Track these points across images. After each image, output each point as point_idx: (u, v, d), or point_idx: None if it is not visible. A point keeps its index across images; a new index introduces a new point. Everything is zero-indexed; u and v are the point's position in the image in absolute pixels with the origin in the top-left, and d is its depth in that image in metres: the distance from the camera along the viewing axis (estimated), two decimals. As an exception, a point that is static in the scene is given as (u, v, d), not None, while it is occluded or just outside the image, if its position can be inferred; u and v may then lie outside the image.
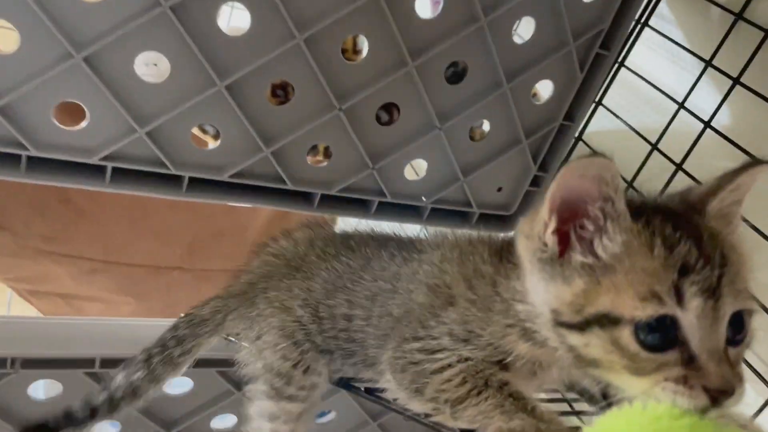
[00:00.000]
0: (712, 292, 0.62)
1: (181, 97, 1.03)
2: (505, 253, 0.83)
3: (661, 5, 1.37)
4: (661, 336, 0.62)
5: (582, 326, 0.66)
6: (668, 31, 1.36)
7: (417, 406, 0.79)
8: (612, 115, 1.42)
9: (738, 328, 0.66)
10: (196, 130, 1.20)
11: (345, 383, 1.00)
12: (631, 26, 1.34)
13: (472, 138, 1.30)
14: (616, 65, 1.39)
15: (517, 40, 1.23)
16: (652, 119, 1.39)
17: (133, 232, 1.66)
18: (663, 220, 0.67)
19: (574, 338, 0.68)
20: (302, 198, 1.25)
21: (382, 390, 0.92)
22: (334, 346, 0.99)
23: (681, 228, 0.66)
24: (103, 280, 1.67)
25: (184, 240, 1.70)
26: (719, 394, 0.61)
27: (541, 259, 0.71)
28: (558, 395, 1.06)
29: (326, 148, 1.26)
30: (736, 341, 0.66)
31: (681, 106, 1.22)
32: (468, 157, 1.32)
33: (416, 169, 1.41)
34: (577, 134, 1.45)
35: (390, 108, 1.24)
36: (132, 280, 1.69)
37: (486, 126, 1.32)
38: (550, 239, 0.69)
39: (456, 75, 1.23)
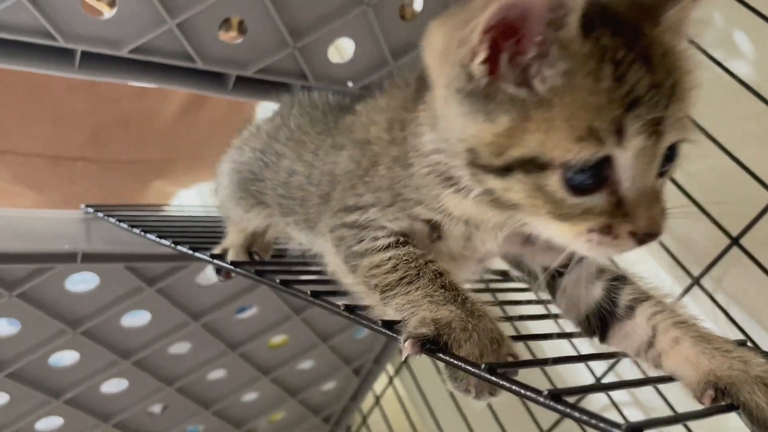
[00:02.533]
0: (656, 128, 0.55)
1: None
2: (413, 90, 0.73)
3: None
4: (590, 177, 0.55)
5: (502, 171, 0.59)
6: None
7: (349, 284, 0.72)
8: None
9: (669, 158, 0.59)
10: (88, -3, 1.05)
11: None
12: None
13: (402, 17, 1.21)
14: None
15: None
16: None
17: (27, 117, 1.49)
18: (613, 34, 0.56)
19: (493, 182, 0.60)
20: (215, 79, 1.14)
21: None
22: (272, 200, 0.93)
23: (632, 46, 0.56)
24: (-2, 170, 1.52)
25: (86, 126, 1.54)
26: (647, 238, 0.57)
27: (460, 90, 0.59)
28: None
29: (240, 23, 1.14)
30: (663, 172, 0.59)
31: None
32: (398, 38, 1.23)
33: (341, 52, 1.32)
34: None
35: None
36: (30, 170, 1.53)
37: (418, 4, 1.23)
38: (478, 70, 0.57)
39: None
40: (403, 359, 1.54)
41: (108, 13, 1.00)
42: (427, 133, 0.68)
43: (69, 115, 1.52)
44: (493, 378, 0.51)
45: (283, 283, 0.77)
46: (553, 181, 0.56)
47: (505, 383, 0.50)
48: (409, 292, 0.64)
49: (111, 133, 1.58)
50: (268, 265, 0.97)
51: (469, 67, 0.57)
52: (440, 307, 0.60)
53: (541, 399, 0.47)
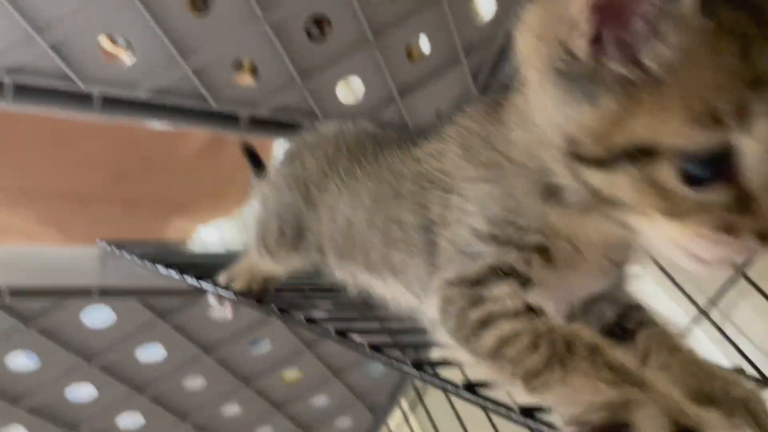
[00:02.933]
0: None
1: (85, 2, 0.94)
2: (493, 101, 0.67)
3: None
4: (708, 167, 0.49)
5: (606, 162, 0.52)
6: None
7: (464, 360, 0.60)
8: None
9: None
10: (107, 44, 1.11)
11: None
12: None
13: (409, 57, 1.25)
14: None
15: None
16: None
17: (54, 161, 1.55)
18: (735, 8, 0.49)
19: (595, 177, 0.53)
20: (229, 119, 1.18)
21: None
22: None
23: (759, 22, 0.49)
24: (24, 211, 1.58)
25: (109, 168, 1.61)
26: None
27: (560, 71, 0.54)
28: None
29: (253, 65, 1.18)
30: None
31: None
32: (406, 78, 1.26)
33: (353, 93, 1.35)
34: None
35: (321, 23, 1.17)
36: (53, 211, 1.59)
37: (425, 47, 1.26)
38: (582, 47, 0.51)
39: None
40: (417, 395, 1.53)
41: (126, 58, 1.05)
42: (518, 132, 0.61)
43: (92, 158, 1.58)
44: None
45: (340, 333, 0.68)
46: (665, 171, 0.50)
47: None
48: (565, 378, 0.52)
49: (132, 174, 1.64)
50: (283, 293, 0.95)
51: (570, 43, 0.52)
52: (610, 387, 0.50)
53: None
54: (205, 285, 0.91)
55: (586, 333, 0.55)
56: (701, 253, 0.51)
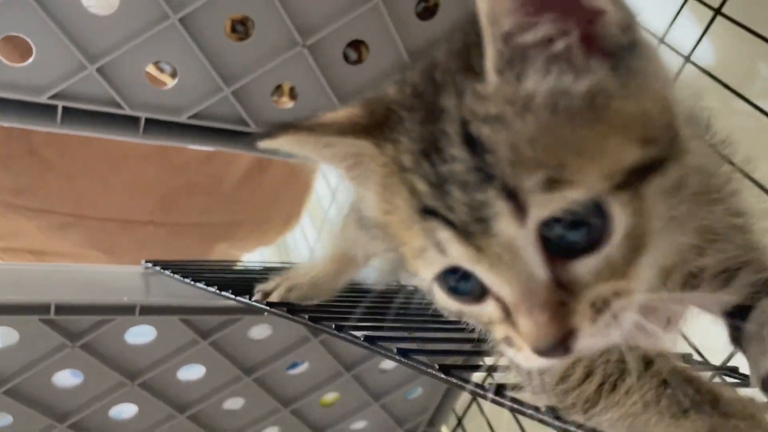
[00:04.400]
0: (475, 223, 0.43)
1: (132, 31, 0.98)
2: None
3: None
4: (470, 284, 0.46)
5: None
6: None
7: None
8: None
9: (563, 237, 0.42)
10: (152, 69, 1.15)
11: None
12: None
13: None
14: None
15: None
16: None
17: (104, 185, 1.61)
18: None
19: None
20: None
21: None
22: None
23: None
24: (74, 235, 1.63)
25: (157, 193, 1.65)
26: (545, 353, 0.44)
27: None
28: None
29: (291, 89, 1.20)
30: (576, 249, 0.43)
31: (661, 41, 1.17)
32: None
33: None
34: None
35: (359, 48, 1.16)
36: (103, 235, 1.64)
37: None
38: None
39: (428, 11, 1.15)
40: (457, 421, 1.51)
41: (170, 83, 1.09)
42: None
43: (141, 182, 1.63)
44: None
45: (402, 352, 0.63)
46: (436, 289, 0.49)
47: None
48: (620, 401, 0.47)
49: (179, 198, 1.68)
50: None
51: None
52: (680, 417, 0.44)
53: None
54: (241, 299, 0.92)
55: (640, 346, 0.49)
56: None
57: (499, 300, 0.45)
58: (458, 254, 0.44)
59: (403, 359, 0.60)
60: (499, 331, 0.47)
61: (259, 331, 1.22)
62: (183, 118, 1.09)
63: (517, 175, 0.41)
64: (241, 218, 1.82)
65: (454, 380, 0.53)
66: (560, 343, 0.43)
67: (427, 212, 0.45)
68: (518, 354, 0.46)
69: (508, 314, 0.45)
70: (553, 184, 0.41)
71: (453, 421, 1.54)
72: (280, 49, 1.08)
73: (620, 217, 0.42)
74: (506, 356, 0.49)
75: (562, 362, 0.50)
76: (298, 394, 1.33)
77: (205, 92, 1.08)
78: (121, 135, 1.07)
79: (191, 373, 1.22)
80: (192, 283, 1.00)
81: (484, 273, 0.44)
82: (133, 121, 1.07)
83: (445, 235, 0.44)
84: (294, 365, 1.31)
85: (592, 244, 0.42)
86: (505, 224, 0.42)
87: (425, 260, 0.47)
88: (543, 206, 0.41)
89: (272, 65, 1.09)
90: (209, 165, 1.70)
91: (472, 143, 0.43)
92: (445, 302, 0.50)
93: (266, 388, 1.28)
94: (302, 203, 1.89)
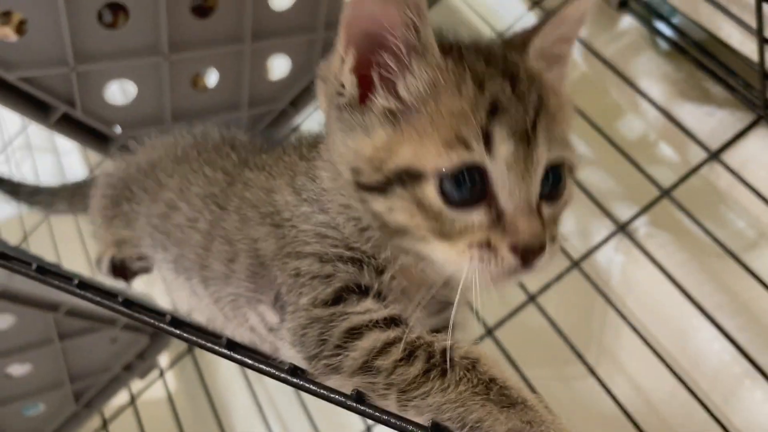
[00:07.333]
0: (525, 137, 0.55)
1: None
2: (317, 139, 0.74)
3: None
4: (467, 189, 0.55)
5: (383, 187, 0.58)
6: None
7: (337, 384, 0.56)
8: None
9: (555, 182, 0.59)
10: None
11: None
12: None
13: (194, 85, 1.30)
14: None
15: (274, 5, 1.26)
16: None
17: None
18: (476, 56, 0.59)
19: (378, 203, 0.59)
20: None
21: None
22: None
23: (495, 65, 0.58)
24: None
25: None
26: (528, 254, 0.54)
27: (339, 106, 0.61)
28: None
29: (22, 22, 1.13)
30: (551, 196, 0.59)
31: None
32: (183, 103, 1.30)
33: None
34: (295, 125, 1.54)
35: (117, 10, 1.17)
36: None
37: (213, 79, 1.34)
38: (348, 78, 0.59)
39: (202, 9, 1.21)
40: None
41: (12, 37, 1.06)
42: (326, 171, 0.67)
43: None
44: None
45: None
46: (429, 192, 0.56)
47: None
48: (446, 389, 0.51)
49: None
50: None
51: (340, 76, 0.60)
52: (502, 411, 0.49)
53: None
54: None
55: (467, 346, 0.55)
56: (471, 274, 0.55)
57: (493, 206, 0.55)
58: (504, 152, 0.54)
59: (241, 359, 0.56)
60: (477, 236, 0.55)
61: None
62: (12, 77, 1.07)
63: (552, 127, 0.59)
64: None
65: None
66: (537, 253, 0.55)
67: (495, 111, 0.55)
68: (494, 258, 0.55)
69: (498, 219, 0.55)
70: (558, 144, 0.59)
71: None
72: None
73: (570, 185, 0.62)
74: (465, 270, 0.56)
75: (380, 334, 0.56)
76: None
77: (50, 60, 1.08)
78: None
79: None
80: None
81: (506, 176, 0.55)
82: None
83: (503, 132, 0.55)
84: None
85: (558, 195, 0.60)
86: (541, 147, 0.56)
87: (446, 151, 0.54)
88: (552, 152, 0.58)
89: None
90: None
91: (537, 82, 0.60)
92: (407, 203, 0.57)
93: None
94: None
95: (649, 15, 1.27)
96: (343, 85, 0.60)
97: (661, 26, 1.26)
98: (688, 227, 1.10)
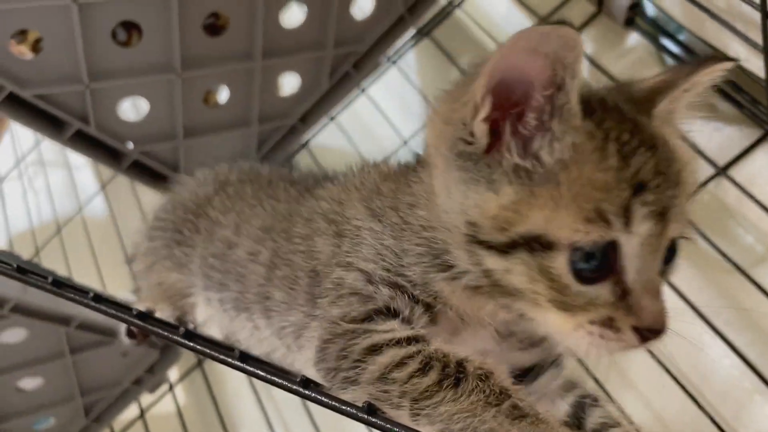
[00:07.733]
0: (663, 216, 0.53)
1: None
2: (403, 168, 0.71)
3: (409, 52, 1.55)
4: (596, 263, 0.52)
5: (506, 249, 0.54)
6: (409, 75, 1.53)
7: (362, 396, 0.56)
8: (341, 134, 1.55)
9: (670, 255, 0.57)
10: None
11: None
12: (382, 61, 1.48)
13: (205, 101, 1.34)
14: (360, 90, 1.53)
15: (284, 22, 1.28)
16: (372, 149, 1.50)
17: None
18: (616, 121, 0.54)
19: (493, 262, 0.55)
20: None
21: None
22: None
23: (634, 132, 0.54)
24: None
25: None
26: (651, 334, 0.53)
27: (462, 153, 0.56)
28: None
29: (37, 41, 1.17)
30: (664, 270, 0.57)
31: (405, 143, 1.43)
32: (194, 119, 1.34)
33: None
34: (305, 140, 1.59)
35: (131, 29, 1.19)
36: None
37: (224, 96, 1.38)
38: (480, 128, 0.55)
39: (214, 28, 1.25)
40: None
41: (28, 55, 1.11)
42: (423, 208, 0.64)
43: None
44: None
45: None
46: (559, 264, 0.53)
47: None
48: (458, 398, 0.52)
49: None
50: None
51: (471, 124, 0.55)
52: (514, 423, 0.50)
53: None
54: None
55: (479, 360, 0.55)
56: (585, 347, 0.54)
57: (620, 282, 0.53)
58: (643, 230, 0.52)
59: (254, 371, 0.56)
60: (600, 313, 0.53)
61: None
62: (27, 94, 1.10)
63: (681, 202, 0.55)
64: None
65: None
66: (659, 334, 0.53)
67: (641, 187, 0.52)
68: (614, 336, 0.53)
69: (623, 296, 0.53)
70: (683, 214, 0.56)
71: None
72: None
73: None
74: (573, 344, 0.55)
75: (398, 351, 0.56)
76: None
77: (64, 78, 1.11)
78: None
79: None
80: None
81: (638, 254, 0.52)
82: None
83: (645, 210, 0.52)
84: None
85: (670, 268, 0.59)
86: (674, 225, 0.54)
87: (584, 225, 0.51)
88: (681, 228, 0.56)
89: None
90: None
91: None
92: (530, 270, 0.54)
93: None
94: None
95: (656, 32, 1.29)
96: (472, 134, 0.56)
97: (667, 43, 1.28)
98: (696, 243, 1.11)
